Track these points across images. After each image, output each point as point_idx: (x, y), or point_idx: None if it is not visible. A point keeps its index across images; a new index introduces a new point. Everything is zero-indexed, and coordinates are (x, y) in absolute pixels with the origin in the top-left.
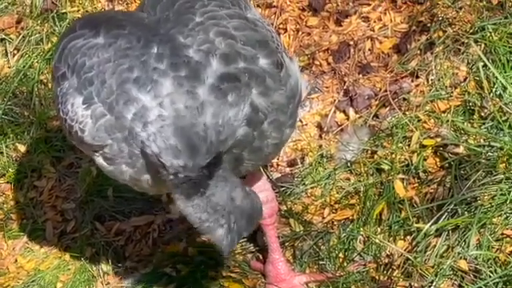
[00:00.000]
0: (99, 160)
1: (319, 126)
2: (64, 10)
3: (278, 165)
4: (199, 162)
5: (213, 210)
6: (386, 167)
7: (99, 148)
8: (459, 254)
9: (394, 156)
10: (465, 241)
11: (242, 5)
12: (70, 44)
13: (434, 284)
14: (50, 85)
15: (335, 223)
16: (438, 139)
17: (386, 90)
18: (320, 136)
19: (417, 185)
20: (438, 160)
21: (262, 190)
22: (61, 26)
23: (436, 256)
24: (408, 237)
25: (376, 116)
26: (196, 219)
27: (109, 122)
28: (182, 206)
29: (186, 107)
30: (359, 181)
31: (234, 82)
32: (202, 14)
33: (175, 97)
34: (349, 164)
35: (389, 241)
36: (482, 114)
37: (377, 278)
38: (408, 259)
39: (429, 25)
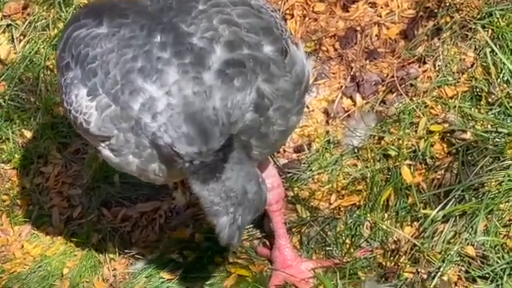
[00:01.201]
0: (105, 151)
1: (326, 112)
2: None
3: (284, 151)
4: (213, 146)
5: (226, 195)
6: (393, 153)
7: (105, 139)
8: (466, 240)
9: (401, 142)
10: (472, 227)
11: None
12: (74, 33)
13: (441, 270)
14: (55, 71)
15: (342, 209)
16: (445, 125)
17: (393, 76)
18: (327, 122)
19: (424, 171)
20: (445, 146)
21: (269, 176)
22: (67, 11)
23: (443, 242)
24: (415, 223)
25: (383, 102)
26: (208, 202)
27: (114, 112)
28: (198, 189)
29: (194, 93)
30: (366, 167)
31: (240, 68)
32: (205, 1)
33: (182, 84)
34: (356, 150)
35: (396, 227)
36: (490, 100)
37: (384, 264)
38: (415, 245)
39: (436, 10)
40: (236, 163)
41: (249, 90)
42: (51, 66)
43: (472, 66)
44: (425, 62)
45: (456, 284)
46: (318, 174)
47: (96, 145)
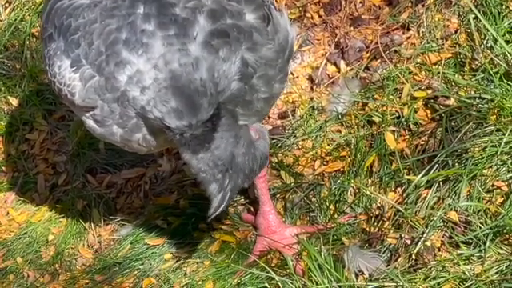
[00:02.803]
0: (89, 122)
1: (310, 79)
2: None
3: (269, 117)
4: (202, 117)
5: (214, 163)
6: (376, 119)
7: (90, 109)
8: (450, 205)
9: (384, 108)
10: (455, 192)
11: None
12: (56, 4)
13: (424, 235)
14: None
15: (326, 175)
16: (429, 91)
17: (377, 43)
18: (311, 88)
19: (408, 137)
20: (428, 112)
21: None
22: None
23: (427, 207)
24: (399, 188)
25: (367, 68)
26: (196, 169)
27: (98, 83)
28: (187, 158)
29: (181, 65)
30: (350, 133)
31: (224, 38)
32: None
33: (168, 56)
34: (340, 116)
35: (379, 193)
36: (473, 66)
37: (367, 229)
38: (399, 211)
39: None
40: (225, 130)
41: (234, 59)
42: (36, 34)
43: (456, 32)
44: (409, 29)
45: (439, 249)
46: (303, 140)
47: (80, 115)
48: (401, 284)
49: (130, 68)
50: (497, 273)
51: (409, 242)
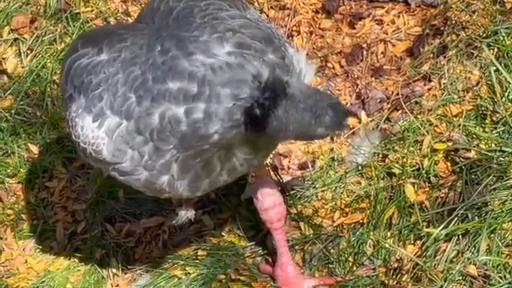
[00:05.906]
0: (113, 171)
1: None
2: (78, 10)
3: (288, 168)
4: (269, 60)
5: (304, 104)
6: (396, 171)
7: (118, 163)
8: (469, 259)
9: (405, 160)
10: (475, 246)
11: (239, 6)
12: (74, 64)
13: None
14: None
15: (345, 227)
16: (450, 143)
17: (398, 94)
18: (331, 139)
19: (427, 189)
20: (449, 164)
21: (270, 194)
22: (74, 26)
23: (446, 261)
24: (418, 241)
25: (388, 119)
26: (299, 119)
27: (126, 128)
28: (280, 114)
29: (213, 56)
30: (370, 184)
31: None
32: (202, 16)
33: (198, 56)
34: (360, 167)
35: (398, 245)
36: (494, 119)
37: (386, 282)
38: (417, 264)
39: (442, 28)
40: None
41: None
42: (58, 81)
43: (477, 84)
44: (430, 80)
45: None
46: (322, 191)
47: (106, 168)
48: None
49: (170, 91)
50: None
51: None
